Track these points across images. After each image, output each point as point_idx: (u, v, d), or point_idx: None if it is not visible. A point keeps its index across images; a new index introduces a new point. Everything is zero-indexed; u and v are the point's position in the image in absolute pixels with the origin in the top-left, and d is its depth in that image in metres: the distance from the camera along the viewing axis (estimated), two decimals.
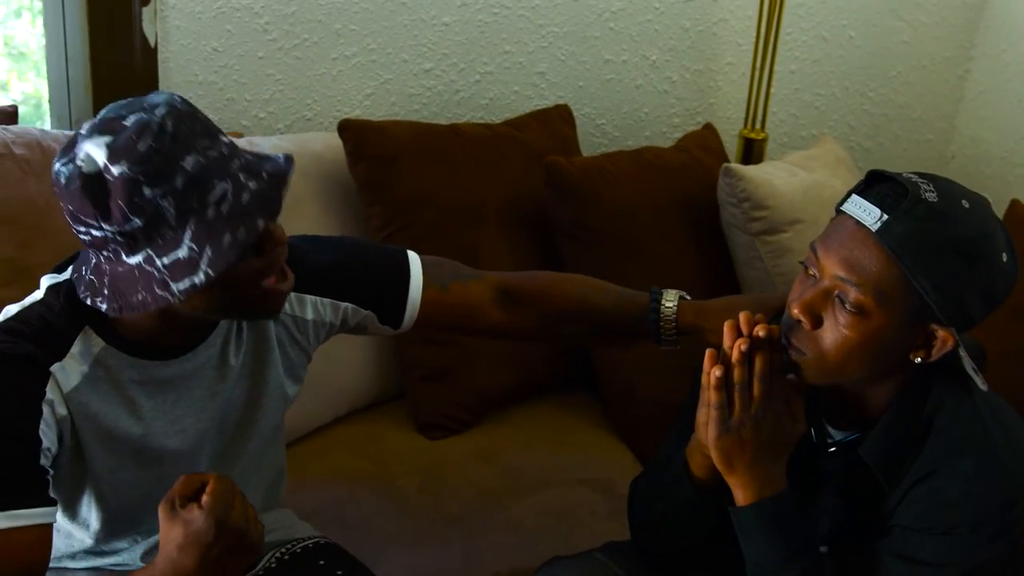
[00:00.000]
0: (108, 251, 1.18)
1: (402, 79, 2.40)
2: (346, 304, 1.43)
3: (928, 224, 1.23)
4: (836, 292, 1.28)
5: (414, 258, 1.48)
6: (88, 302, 1.22)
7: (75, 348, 1.25)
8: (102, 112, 1.19)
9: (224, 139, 1.19)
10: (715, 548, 1.45)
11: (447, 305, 1.48)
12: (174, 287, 1.15)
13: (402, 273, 1.46)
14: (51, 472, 1.25)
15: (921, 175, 1.29)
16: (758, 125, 2.58)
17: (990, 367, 1.46)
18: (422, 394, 2.06)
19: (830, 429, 1.42)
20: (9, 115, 2.08)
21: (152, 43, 2.17)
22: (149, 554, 1.40)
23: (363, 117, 2.27)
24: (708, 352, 1.31)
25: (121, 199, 1.12)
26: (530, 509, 1.90)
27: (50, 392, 1.23)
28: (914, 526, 1.32)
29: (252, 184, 1.16)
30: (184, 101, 1.19)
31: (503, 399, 2.15)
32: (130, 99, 1.19)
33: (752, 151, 2.57)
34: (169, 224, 1.14)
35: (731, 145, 2.60)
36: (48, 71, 2.24)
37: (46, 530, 1.23)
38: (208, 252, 1.14)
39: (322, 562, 1.48)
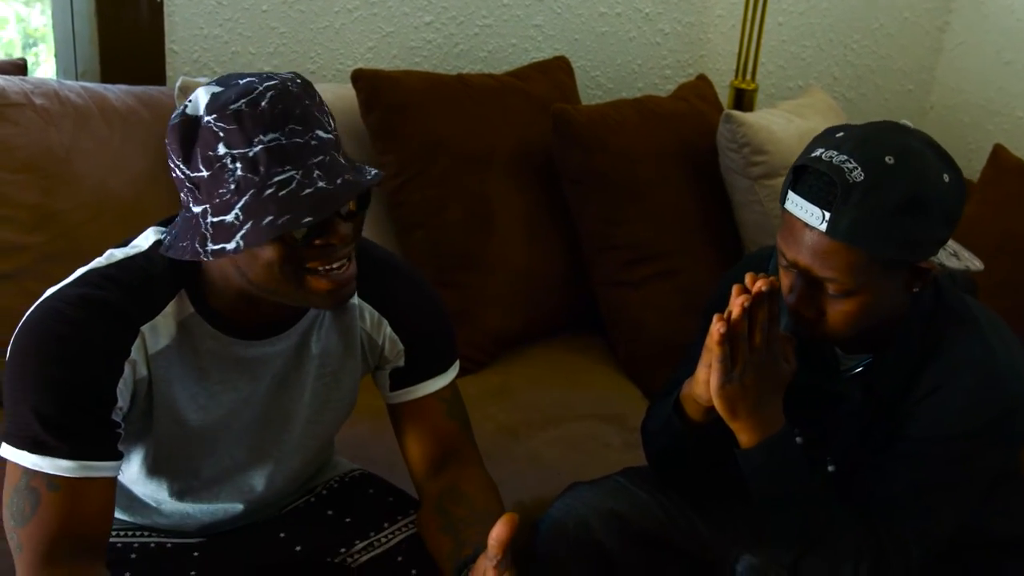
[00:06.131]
0: (184, 193, 1.21)
1: (403, 32, 2.43)
2: (401, 347, 1.43)
3: (867, 204, 1.28)
4: (820, 282, 1.35)
5: (457, 364, 1.49)
6: (164, 238, 1.25)
7: (168, 309, 1.27)
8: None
9: (324, 134, 1.19)
10: (729, 470, 1.53)
11: (423, 418, 1.46)
12: (209, 246, 1.16)
13: (446, 358, 1.47)
14: (122, 427, 1.25)
15: (839, 147, 1.31)
16: (748, 76, 2.64)
17: (981, 299, 1.55)
18: None
19: (841, 354, 1.50)
20: (19, 67, 2.10)
21: None
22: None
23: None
24: (715, 315, 1.35)
25: (200, 147, 1.16)
26: (547, 442, 1.97)
27: (135, 352, 1.24)
28: (918, 436, 1.41)
29: (321, 183, 1.15)
30: (305, 86, 1.19)
31: (515, 340, 2.22)
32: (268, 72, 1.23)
33: (743, 101, 2.64)
34: (229, 187, 1.15)
35: (722, 95, 2.65)
36: (53, 24, 2.26)
37: (112, 483, 1.25)
38: (248, 225, 1.14)
39: (371, 491, 1.53)
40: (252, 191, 1.14)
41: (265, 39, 2.32)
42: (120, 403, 1.23)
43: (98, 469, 1.22)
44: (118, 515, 1.42)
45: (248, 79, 1.18)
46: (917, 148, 1.32)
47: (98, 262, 1.27)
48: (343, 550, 1.44)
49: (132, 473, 1.35)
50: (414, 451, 1.46)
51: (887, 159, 1.29)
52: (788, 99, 2.71)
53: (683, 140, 2.31)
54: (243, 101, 1.15)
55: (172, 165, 1.20)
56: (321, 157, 1.17)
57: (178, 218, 1.24)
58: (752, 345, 1.35)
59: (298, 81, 1.20)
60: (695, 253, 2.26)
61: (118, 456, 1.24)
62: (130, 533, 1.42)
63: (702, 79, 2.56)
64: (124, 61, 2.24)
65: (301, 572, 1.44)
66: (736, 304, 1.33)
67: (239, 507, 1.43)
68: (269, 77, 1.18)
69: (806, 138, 2.26)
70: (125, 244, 1.30)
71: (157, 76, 2.25)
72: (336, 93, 2.20)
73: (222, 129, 1.15)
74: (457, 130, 2.17)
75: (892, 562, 1.40)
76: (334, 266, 1.22)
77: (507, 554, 1.14)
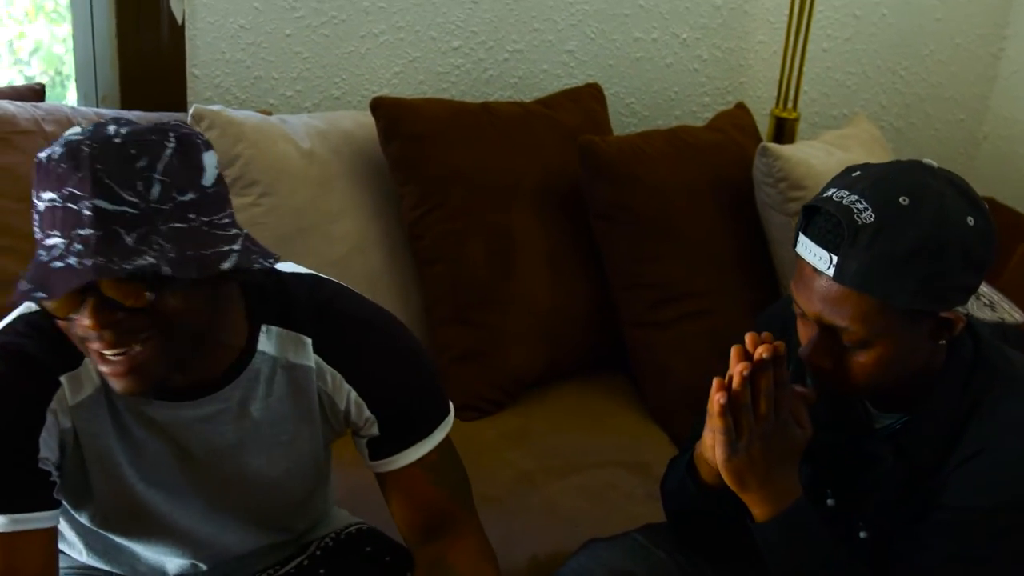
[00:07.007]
0: None
1: (430, 57, 2.38)
2: (369, 415, 1.32)
3: (877, 248, 1.20)
4: (836, 331, 1.26)
5: (447, 423, 1.38)
6: None
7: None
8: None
9: (112, 206, 1.05)
10: (748, 532, 1.44)
11: (407, 489, 1.35)
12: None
13: (428, 422, 1.35)
14: (55, 475, 1.19)
15: (851, 187, 1.23)
16: (790, 104, 2.55)
17: None
18: (454, 375, 2.04)
19: (874, 412, 1.40)
20: (36, 92, 2.06)
21: (179, 20, 2.15)
22: None
23: (392, 95, 2.25)
24: (715, 380, 1.27)
25: None
26: (566, 491, 1.88)
27: (55, 402, 1.19)
28: (958, 505, 1.31)
29: (72, 259, 1.04)
30: (118, 147, 1.07)
31: (535, 380, 2.14)
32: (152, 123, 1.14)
33: (784, 131, 2.55)
34: (35, 233, 1.09)
35: (762, 125, 2.57)
36: (74, 47, 2.23)
37: (50, 533, 1.19)
38: (20, 282, 1.07)
39: (368, 548, 1.46)
40: (38, 247, 1.08)
41: (289, 64, 2.27)
42: (44, 453, 1.17)
43: (31, 521, 1.16)
44: (96, 563, 1.36)
45: (94, 126, 1.09)
46: (936, 188, 1.22)
47: (28, 306, 1.21)
48: None
49: (88, 523, 1.30)
50: (401, 521, 1.38)
51: (901, 200, 1.20)
52: (832, 128, 2.63)
53: (718, 173, 2.22)
54: (48, 151, 1.08)
55: None
56: (90, 232, 1.04)
57: None
58: (758, 415, 1.26)
59: (115, 140, 1.07)
60: (729, 293, 2.17)
61: (53, 505, 1.19)
62: None
63: (740, 107, 2.47)
64: (145, 86, 2.20)
65: None
66: (736, 372, 1.24)
67: (213, 567, 1.36)
68: (103, 126, 1.08)
69: None
70: None
71: (178, 101, 2.22)
72: (358, 121, 2.15)
73: (35, 175, 1.09)
74: (480, 161, 2.10)
75: None
76: (107, 353, 1.10)
77: None
